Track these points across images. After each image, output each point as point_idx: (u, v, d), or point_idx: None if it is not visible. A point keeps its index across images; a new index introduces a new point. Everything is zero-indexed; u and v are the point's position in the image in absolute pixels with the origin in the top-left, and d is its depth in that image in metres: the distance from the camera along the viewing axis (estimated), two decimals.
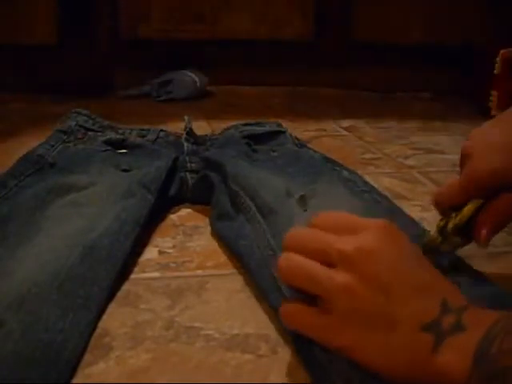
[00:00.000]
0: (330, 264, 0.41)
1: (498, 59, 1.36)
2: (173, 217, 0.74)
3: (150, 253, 0.65)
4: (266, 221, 0.63)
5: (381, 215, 0.56)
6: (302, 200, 0.67)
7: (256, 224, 0.63)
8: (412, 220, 0.67)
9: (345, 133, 1.25)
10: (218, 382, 0.45)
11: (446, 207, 0.53)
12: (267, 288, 0.54)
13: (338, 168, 0.79)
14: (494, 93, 1.37)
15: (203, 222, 0.72)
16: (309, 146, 0.93)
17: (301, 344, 0.46)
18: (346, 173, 0.77)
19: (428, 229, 0.62)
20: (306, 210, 0.66)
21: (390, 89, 1.68)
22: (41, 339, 0.45)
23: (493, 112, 1.37)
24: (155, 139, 0.91)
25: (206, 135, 0.95)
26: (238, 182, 0.70)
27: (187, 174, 0.81)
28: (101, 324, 0.51)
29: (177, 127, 1.00)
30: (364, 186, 0.74)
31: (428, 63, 1.67)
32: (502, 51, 1.35)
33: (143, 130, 0.93)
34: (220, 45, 1.61)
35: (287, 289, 0.52)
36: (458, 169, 0.55)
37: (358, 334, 0.39)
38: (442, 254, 0.54)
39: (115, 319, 0.52)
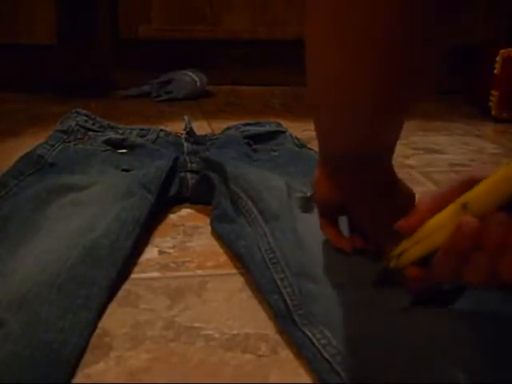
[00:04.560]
0: None
1: (497, 59, 1.36)
2: (173, 217, 0.74)
3: (150, 253, 0.65)
4: (267, 225, 0.62)
5: None
6: (309, 199, 0.67)
7: (257, 227, 0.63)
8: None
9: None
10: (218, 382, 0.45)
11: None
12: (267, 290, 0.54)
13: None
14: (494, 93, 1.37)
15: (203, 222, 0.72)
16: (309, 146, 0.93)
17: (303, 341, 0.47)
18: None
19: None
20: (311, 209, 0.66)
21: None
22: (41, 339, 0.45)
23: (493, 112, 1.37)
24: (155, 139, 0.91)
25: (206, 135, 0.95)
26: (239, 183, 0.70)
27: (187, 174, 0.80)
28: (101, 324, 0.51)
29: (177, 127, 1.00)
30: None
31: None
32: (501, 51, 1.35)
33: (143, 129, 0.93)
34: (220, 45, 1.61)
35: (288, 292, 0.52)
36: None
37: None
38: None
39: (115, 319, 0.52)
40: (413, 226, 0.46)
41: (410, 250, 0.46)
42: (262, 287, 0.55)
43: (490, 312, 0.48)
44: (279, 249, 0.58)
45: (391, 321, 0.48)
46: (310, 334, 0.47)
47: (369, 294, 0.52)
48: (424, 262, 0.45)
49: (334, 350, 0.45)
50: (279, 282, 0.53)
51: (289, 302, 0.51)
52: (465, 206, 0.42)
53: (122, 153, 0.86)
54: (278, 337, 0.50)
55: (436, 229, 0.44)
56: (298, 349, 0.47)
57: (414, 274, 0.46)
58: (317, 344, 0.46)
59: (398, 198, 0.52)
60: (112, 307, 0.54)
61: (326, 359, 0.44)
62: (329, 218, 0.58)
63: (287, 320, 0.50)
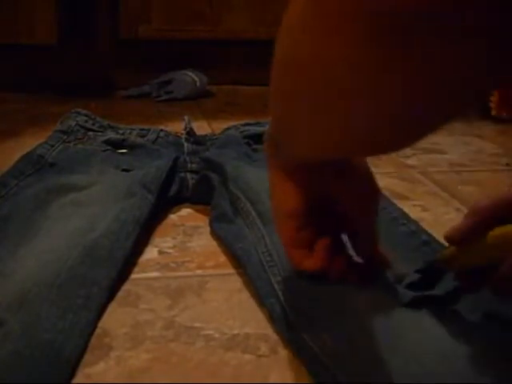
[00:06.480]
0: None
1: None
2: (173, 217, 0.74)
3: (150, 253, 0.65)
4: (265, 227, 0.62)
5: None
6: None
7: (255, 229, 0.63)
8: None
9: None
10: (218, 382, 0.45)
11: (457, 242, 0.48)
12: (264, 293, 0.54)
13: None
14: (494, 93, 1.37)
15: (203, 222, 0.72)
16: None
17: (300, 344, 0.47)
18: None
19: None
20: None
21: None
22: (41, 339, 0.45)
23: (493, 112, 1.37)
24: (155, 139, 0.91)
25: (206, 135, 0.95)
26: (239, 184, 0.70)
27: (187, 174, 0.80)
28: (101, 324, 0.51)
29: (177, 127, 1.00)
30: None
31: None
32: None
33: (143, 129, 0.93)
34: (220, 45, 1.61)
35: (284, 295, 0.52)
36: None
37: None
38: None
39: (115, 319, 0.52)
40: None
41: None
42: (259, 290, 0.55)
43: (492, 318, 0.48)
44: (276, 251, 0.58)
45: (390, 322, 0.48)
46: (306, 337, 0.47)
47: (366, 295, 0.51)
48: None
49: (331, 352, 0.45)
50: (276, 286, 0.53)
51: (285, 304, 0.51)
52: None
53: (122, 153, 0.86)
54: (277, 337, 0.50)
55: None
56: (296, 351, 0.47)
57: None
58: (314, 347, 0.46)
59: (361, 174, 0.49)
60: (112, 307, 0.54)
61: (323, 362, 0.44)
62: (297, 235, 0.49)
63: (283, 323, 0.50)
